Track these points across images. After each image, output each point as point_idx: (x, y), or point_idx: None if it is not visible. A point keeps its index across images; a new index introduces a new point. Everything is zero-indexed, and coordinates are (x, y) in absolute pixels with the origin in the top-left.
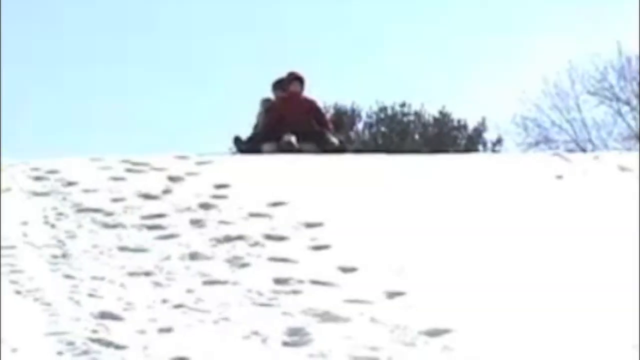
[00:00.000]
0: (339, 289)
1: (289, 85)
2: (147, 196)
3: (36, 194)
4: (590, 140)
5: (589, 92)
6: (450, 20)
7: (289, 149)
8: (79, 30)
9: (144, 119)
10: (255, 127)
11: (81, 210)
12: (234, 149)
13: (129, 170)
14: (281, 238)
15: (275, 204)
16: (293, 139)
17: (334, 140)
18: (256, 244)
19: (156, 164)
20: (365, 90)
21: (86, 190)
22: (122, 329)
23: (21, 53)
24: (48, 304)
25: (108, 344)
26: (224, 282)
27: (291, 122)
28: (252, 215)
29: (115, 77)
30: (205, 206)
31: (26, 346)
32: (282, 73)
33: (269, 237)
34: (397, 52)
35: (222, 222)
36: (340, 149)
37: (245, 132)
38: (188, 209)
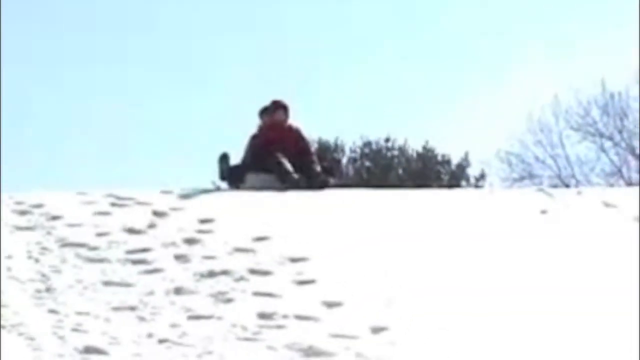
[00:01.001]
0: (324, 324)
1: (273, 114)
2: (132, 231)
3: (20, 228)
4: (573, 176)
5: (572, 128)
6: (433, 55)
7: (286, 172)
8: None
9: (129, 149)
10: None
11: (65, 244)
12: (217, 182)
13: (113, 205)
14: (265, 273)
15: (259, 239)
16: (284, 159)
17: (319, 170)
18: (241, 278)
19: (141, 198)
20: (349, 124)
21: (71, 225)
22: None
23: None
24: (32, 339)
25: None
26: (209, 317)
27: (277, 150)
28: (237, 250)
29: (102, 107)
30: (189, 241)
31: None
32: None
33: (253, 271)
34: (381, 86)
35: (206, 257)
36: (326, 184)
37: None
38: (172, 243)
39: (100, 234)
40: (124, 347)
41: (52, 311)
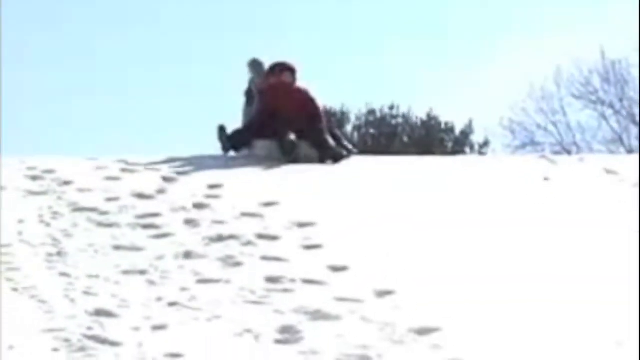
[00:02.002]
0: (330, 288)
1: (280, 76)
2: (142, 196)
3: (32, 193)
4: (575, 143)
5: (573, 96)
6: (438, 25)
7: (291, 148)
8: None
9: (139, 116)
10: (247, 92)
11: (76, 209)
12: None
13: (123, 170)
14: (273, 238)
15: (267, 204)
16: (293, 137)
17: (331, 142)
18: (249, 243)
19: (150, 164)
20: (354, 92)
21: (81, 190)
22: (116, 326)
23: (21, 51)
24: (44, 302)
25: (103, 340)
26: (217, 281)
27: (285, 116)
28: (245, 215)
29: (113, 75)
30: (198, 206)
31: (23, 343)
32: None
33: (261, 236)
34: (386, 54)
35: (215, 221)
36: (339, 157)
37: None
38: (182, 208)
39: (110, 199)
40: (134, 310)
41: (63, 274)
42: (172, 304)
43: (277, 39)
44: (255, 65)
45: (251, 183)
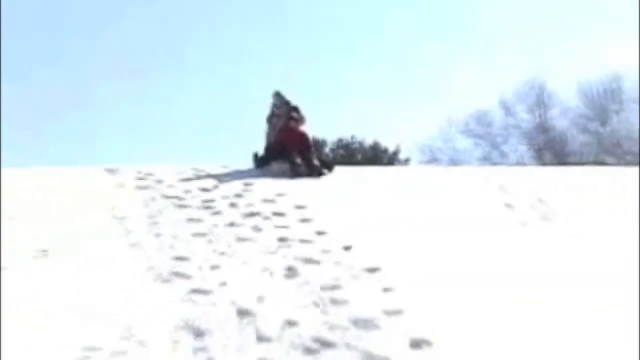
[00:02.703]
0: (316, 245)
1: (288, 122)
2: (204, 189)
3: (139, 187)
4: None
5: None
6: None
7: (297, 168)
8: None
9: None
10: (266, 142)
11: (166, 197)
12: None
13: (194, 174)
14: (282, 214)
15: (279, 194)
16: (299, 161)
17: (317, 163)
18: (267, 218)
19: (210, 170)
20: (329, 127)
21: (169, 186)
22: (188, 267)
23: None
24: (144, 251)
25: (180, 275)
26: (248, 240)
27: (291, 148)
28: (265, 200)
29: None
30: (238, 195)
31: (131, 276)
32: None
33: (275, 213)
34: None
35: (247, 204)
36: (321, 173)
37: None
38: (227, 197)
39: (186, 191)
40: (199, 257)
41: (157, 235)
42: (222, 254)
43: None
44: (277, 95)
45: (270, 183)
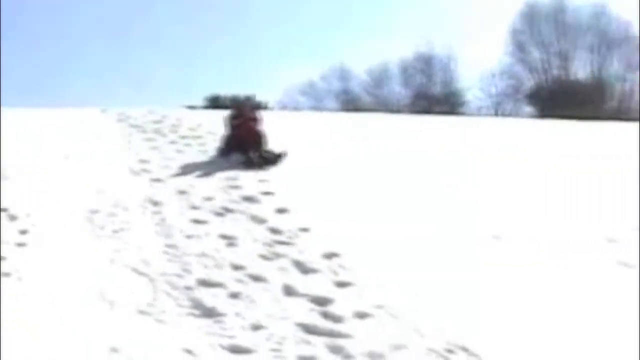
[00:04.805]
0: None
1: (247, 122)
2: (156, 122)
3: (119, 120)
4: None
5: None
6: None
7: (251, 160)
8: None
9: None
10: (227, 136)
11: (132, 126)
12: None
13: (149, 112)
14: (200, 137)
15: (199, 125)
16: (252, 155)
17: (268, 156)
18: (194, 138)
19: (160, 111)
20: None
21: (135, 119)
22: (149, 166)
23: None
24: (122, 156)
25: (145, 170)
26: (183, 151)
27: (247, 141)
28: (190, 129)
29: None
30: (174, 125)
31: (115, 172)
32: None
33: (198, 137)
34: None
35: (180, 132)
36: (274, 163)
37: None
38: (168, 126)
39: (144, 122)
40: (155, 161)
41: (129, 148)
42: (169, 159)
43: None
44: (247, 100)
45: (195, 117)
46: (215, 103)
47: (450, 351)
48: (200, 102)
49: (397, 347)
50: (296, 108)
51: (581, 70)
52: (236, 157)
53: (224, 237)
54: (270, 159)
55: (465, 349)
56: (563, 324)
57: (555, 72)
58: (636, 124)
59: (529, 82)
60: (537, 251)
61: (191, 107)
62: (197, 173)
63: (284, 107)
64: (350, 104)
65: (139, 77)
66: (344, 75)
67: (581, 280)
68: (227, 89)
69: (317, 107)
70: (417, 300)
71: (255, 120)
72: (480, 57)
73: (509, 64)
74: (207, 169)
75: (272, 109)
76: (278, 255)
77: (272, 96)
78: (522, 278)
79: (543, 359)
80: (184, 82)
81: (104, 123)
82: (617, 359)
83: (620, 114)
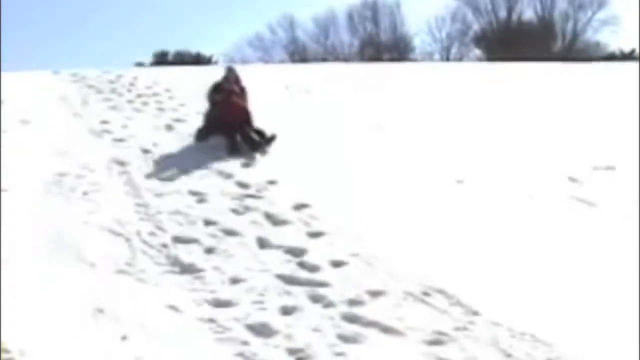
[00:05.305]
0: (180, 111)
1: (229, 98)
2: (111, 81)
3: (74, 82)
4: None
5: None
6: None
7: (237, 145)
8: None
9: None
10: (207, 115)
11: (89, 87)
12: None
13: (104, 72)
14: (158, 94)
15: (156, 83)
16: (239, 138)
17: (256, 137)
18: (149, 96)
19: (114, 71)
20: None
21: (91, 80)
22: (109, 127)
23: None
24: (82, 118)
25: (106, 130)
26: (141, 110)
27: (232, 122)
28: (147, 87)
29: None
30: (131, 84)
31: (72, 133)
32: None
33: (154, 94)
34: None
35: (137, 90)
36: (259, 147)
37: None
38: (125, 85)
39: (100, 83)
40: (115, 121)
41: (86, 108)
42: (127, 118)
43: None
44: (230, 71)
45: (149, 75)
46: (163, 59)
47: (426, 294)
48: (148, 58)
49: (375, 293)
50: (244, 61)
51: (528, 11)
52: (217, 140)
53: (193, 193)
54: (259, 144)
55: (441, 291)
56: (528, 258)
57: (502, 14)
58: (583, 64)
59: (476, 26)
60: (499, 193)
61: (139, 64)
62: (159, 131)
63: (231, 61)
64: (298, 54)
65: (79, 36)
66: (290, 25)
67: (542, 218)
68: (174, 45)
69: (266, 59)
70: (389, 247)
71: (240, 94)
72: (427, 1)
73: (455, 8)
74: (168, 125)
75: (216, 62)
76: (249, 209)
77: (220, 50)
78: (486, 219)
79: (514, 291)
80: (132, 39)
81: (59, 85)
82: (574, 284)
83: (567, 54)
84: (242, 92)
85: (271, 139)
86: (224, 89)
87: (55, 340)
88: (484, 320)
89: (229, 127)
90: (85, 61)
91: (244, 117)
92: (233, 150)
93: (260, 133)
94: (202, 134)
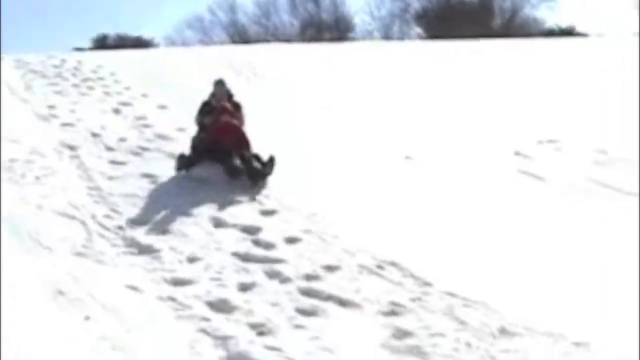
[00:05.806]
0: (125, 94)
1: (219, 117)
2: (55, 66)
3: (16, 67)
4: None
5: None
6: None
7: (238, 171)
8: None
9: None
10: (194, 139)
11: (34, 72)
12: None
13: (48, 57)
14: (102, 79)
15: (100, 66)
16: (238, 162)
17: (257, 165)
18: (95, 80)
19: (58, 55)
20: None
21: (35, 65)
22: (56, 111)
23: None
24: (29, 102)
25: (53, 115)
26: (87, 94)
27: (226, 146)
28: (93, 71)
29: None
30: (76, 68)
31: (21, 117)
32: None
33: (99, 78)
34: None
35: (82, 74)
36: (261, 175)
37: None
38: (69, 69)
39: (44, 68)
40: (61, 106)
41: (32, 94)
42: (74, 103)
43: None
44: (219, 84)
45: (95, 60)
46: (103, 43)
47: (380, 267)
48: (87, 43)
49: (331, 268)
50: (184, 43)
51: None
52: (205, 171)
53: (145, 175)
54: (261, 172)
55: (394, 264)
56: (477, 230)
57: None
58: (523, 40)
59: (417, 4)
60: (447, 168)
61: (79, 49)
62: (107, 115)
63: (172, 44)
64: (239, 36)
65: (15, 22)
66: (231, 7)
67: (490, 191)
68: (112, 29)
69: (206, 41)
70: (341, 223)
71: (234, 112)
72: None
73: None
74: (115, 108)
75: (158, 45)
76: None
77: (159, 32)
78: (435, 194)
79: (465, 263)
80: (68, 24)
81: (2, 72)
82: (523, 254)
83: (507, 31)
84: (237, 109)
85: (272, 163)
86: (214, 108)
87: (17, 323)
88: (437, 291)
89: (222, 152)
90: (22, 47)
91: (239, 139)
92: (234, 172)
93: (257, 158)
94: (185, 162)
